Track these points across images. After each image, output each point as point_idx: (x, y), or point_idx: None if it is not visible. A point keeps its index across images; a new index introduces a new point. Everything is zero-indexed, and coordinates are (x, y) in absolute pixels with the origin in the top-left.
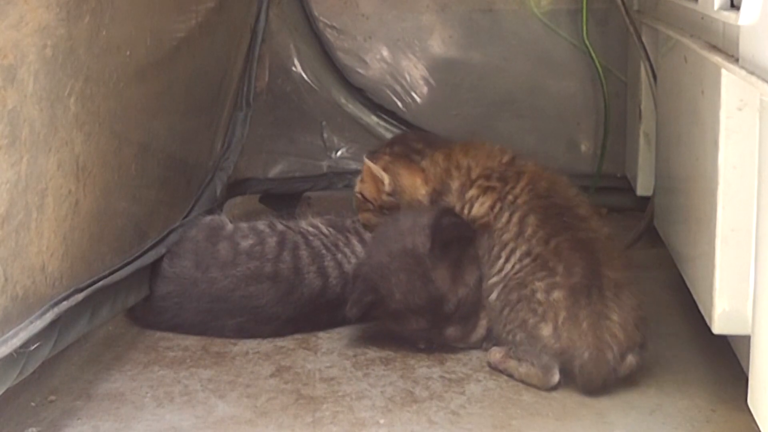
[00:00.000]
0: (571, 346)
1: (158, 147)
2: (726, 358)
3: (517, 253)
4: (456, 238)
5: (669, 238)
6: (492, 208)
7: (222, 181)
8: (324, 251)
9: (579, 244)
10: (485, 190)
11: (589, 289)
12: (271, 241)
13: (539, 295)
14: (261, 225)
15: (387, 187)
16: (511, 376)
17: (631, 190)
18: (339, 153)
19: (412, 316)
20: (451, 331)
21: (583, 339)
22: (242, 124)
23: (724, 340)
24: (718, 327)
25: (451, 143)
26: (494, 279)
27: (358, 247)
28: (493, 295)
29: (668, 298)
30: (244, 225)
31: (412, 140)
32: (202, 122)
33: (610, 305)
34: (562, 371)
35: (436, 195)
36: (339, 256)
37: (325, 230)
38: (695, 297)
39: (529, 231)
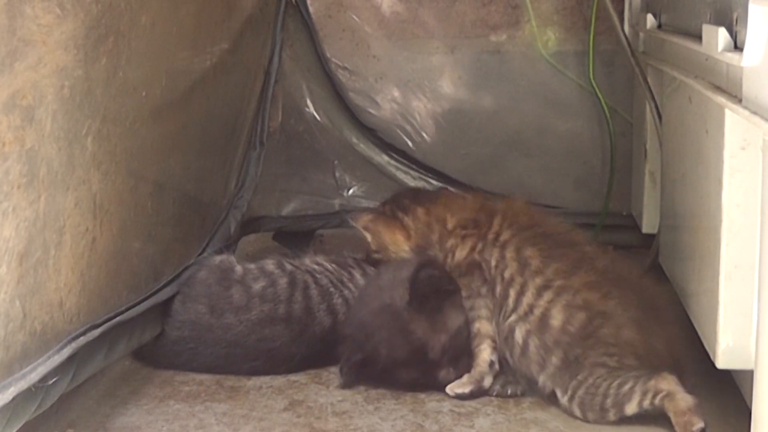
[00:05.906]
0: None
1: (173, 185)
2: (730, 393)
3: (531, 288)
4: (435, 291)
5: (674, 274)
6: (473, 249)
7: (236, 219)
8: (332, 289)
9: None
10: (463, 238)
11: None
12: (282, 282)
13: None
14: (270, 265)
15: (371, 245)
16: None
17: (637, 227)
18: (351, 191)
19: (401, 368)
20: (443, 374)
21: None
22: (256, 163)
23: (727, 374)
24: (722, 362)
25: (437, 196)
26: (512, 318)
27: (361, 281)
28: (518, 335)
29: None
30: (252, 266)
31: (402, 197)
32: (216, 161)
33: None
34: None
35: (422, 249)
36: (345, 292)
37: (329, 267)
38: (699, 332)
39: (533, 264)
